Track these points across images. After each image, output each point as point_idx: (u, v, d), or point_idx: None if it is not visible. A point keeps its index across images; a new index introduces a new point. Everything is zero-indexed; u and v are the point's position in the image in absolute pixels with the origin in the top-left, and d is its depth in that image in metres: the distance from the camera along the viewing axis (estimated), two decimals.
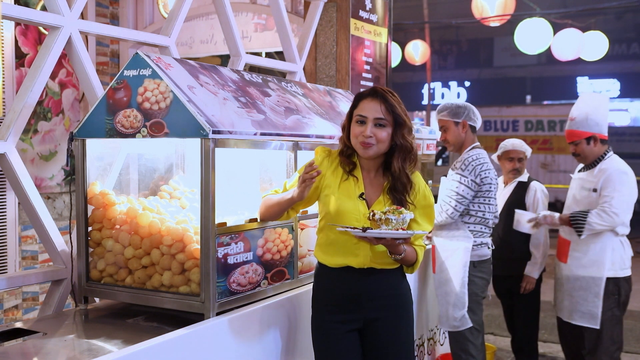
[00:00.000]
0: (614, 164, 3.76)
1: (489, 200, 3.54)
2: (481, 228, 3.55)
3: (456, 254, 3.50)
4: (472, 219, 3.53)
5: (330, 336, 2.38)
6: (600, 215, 3.66)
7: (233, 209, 2.51)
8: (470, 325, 3.49)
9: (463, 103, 3.72)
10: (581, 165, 3.95)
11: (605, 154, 3.80)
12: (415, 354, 3.67)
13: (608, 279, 3.73)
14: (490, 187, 3.52)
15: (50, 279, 2.60)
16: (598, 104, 3.89)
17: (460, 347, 3.54)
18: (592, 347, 3.82)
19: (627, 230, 3.80)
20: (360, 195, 2.34)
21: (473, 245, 3.50)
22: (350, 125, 2.36)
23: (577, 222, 3.74)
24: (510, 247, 4.25)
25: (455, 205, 3.45)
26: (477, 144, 3.66)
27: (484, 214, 3.54)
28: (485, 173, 3.50)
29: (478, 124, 3.71)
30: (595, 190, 3.75)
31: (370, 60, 4.68)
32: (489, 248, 3.62)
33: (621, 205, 3.65)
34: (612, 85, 19.88)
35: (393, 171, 2.33)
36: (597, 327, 3.75)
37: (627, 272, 3.78)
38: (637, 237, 11.43)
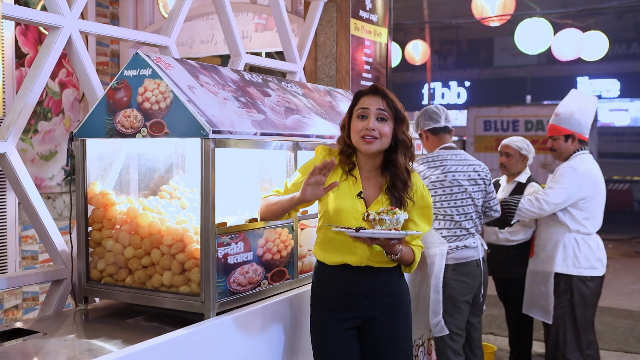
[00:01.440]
0: (571, 160, 3.83)
1: (457, 202, 3.44)
2: (455, 232, 3.45)
3: (434, 260, 3.45)
4: (442, 223, 3.45)
5: (328, 334, 2.39)
6: (531, 202, 3.74)
7: (233, 208, 2.51)
8: (447, 332, 3.44)
9: (419, 113, 3.69)
10: None
11: (575, 152, 3.86)
12: (415, 354, 3.67)
13: (559, 275, 3.77)
14: (452, 190, 3.42)
15: (50, 279, 2.60)
16: (585, 104, 3.93)
17: (440, 351, 3.52)
18: (548, 344, 3.90)
19: (586, 229, 3.80)
20: (359, 194, 2.34)
21: (449, 250, 3.42)
22: (350, 123, 2.37)
23: (508, 206, 3.77)
24: (503, 249, 4.21)
25: None
26: (446, 144, 3.55)
27: (452, 217, 3.44)
28: (445, 176, 3.41)
29: (437, 123, 3.56)
30: None
31: (371, 60, 4.68)
32: (478, 248, 3.54)
33: (556, 196, 3.71)
34: (612, 85, 19.89)
35: (397, 167, 2.34)
36: (550, 322, 3.83)
37: (584, 272, 3.75)
38: (637, 237, 11.46)
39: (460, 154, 3.55)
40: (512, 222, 3.85)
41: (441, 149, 3.55)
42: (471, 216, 3.49)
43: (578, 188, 3.75)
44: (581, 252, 3.76)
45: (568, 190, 3.72)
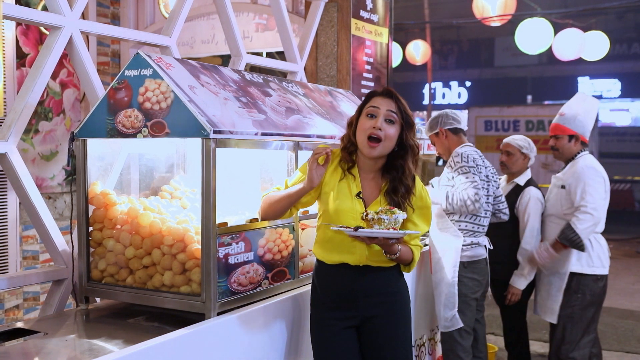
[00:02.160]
0: (582, 161, 3.85)
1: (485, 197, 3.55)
2: (473, 227, 3.51)
3: (447, 254, 3.49)
4: (462, 216, 3.50)
5: (327, 332, 2.40)
6: (583, 220, 3.68)
7: (234, 208, 2.51)
8: (461, 325, 3.48)
9: (438, 113, 3.79)
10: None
11: (579, 153, 3.89)
12: (416, 354, 3.67)
13: (572, 274, 3.78)
14: (483, 185, 3.52)
15: (51, 279, 2.60)
16: (590, 107, 4.00)
17: (448, 348, 3.55)
18: (553, 342, 3.89)
19: (598, 228, 3.79)
20: (358, 195, 2.34)
21: (463, 245, 3.48)
22: (358, 121, 2.37)
23: (572, 242, 3.70)
24: (495, 250, 4.08)
25: (476, 193, 3.36)
26: (466, 143, 3.65)
27: None
28: (484, 168, 3.56)
29: (459, 124, 3.69)
30: (563, 187, 3.84)
31: (371, 60, 4.68)
32: (485, 247, 3.60)
33: (596, 200, 3.71)
34: (613, 85, 19.87)
35: (404, 172, 2.35)
36: (555, 322, 3.84)
37: (596, 271, 3.77)
38: (638, 237, 11.46)
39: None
40: (586, 250, 3.77)
41: (465, 146, 3.63)
42: (488, 213, 3.61)
43: (603, 186, 3.79)
44: (594, 250, 3.80)
45: (601, 189, 3.75)
